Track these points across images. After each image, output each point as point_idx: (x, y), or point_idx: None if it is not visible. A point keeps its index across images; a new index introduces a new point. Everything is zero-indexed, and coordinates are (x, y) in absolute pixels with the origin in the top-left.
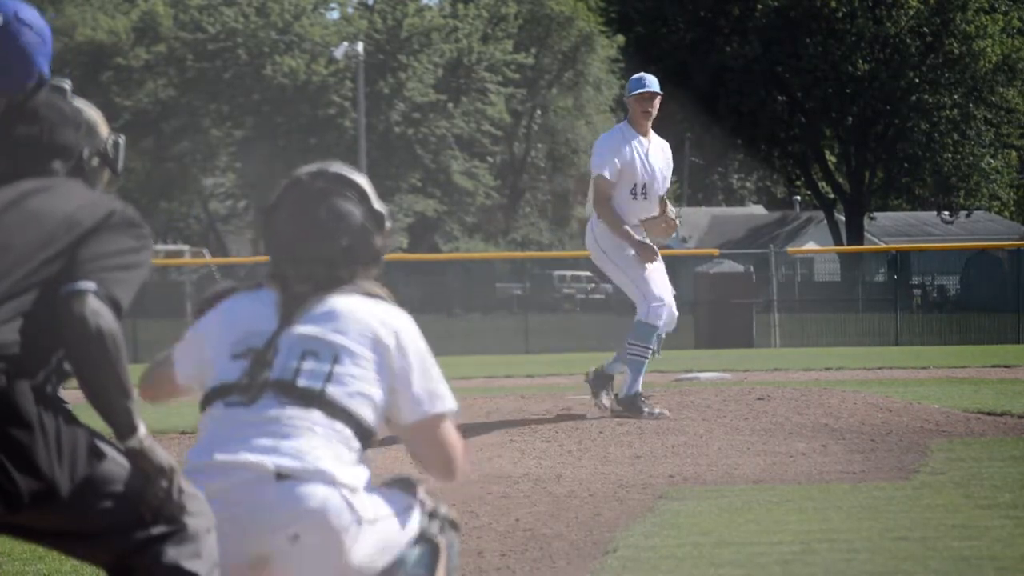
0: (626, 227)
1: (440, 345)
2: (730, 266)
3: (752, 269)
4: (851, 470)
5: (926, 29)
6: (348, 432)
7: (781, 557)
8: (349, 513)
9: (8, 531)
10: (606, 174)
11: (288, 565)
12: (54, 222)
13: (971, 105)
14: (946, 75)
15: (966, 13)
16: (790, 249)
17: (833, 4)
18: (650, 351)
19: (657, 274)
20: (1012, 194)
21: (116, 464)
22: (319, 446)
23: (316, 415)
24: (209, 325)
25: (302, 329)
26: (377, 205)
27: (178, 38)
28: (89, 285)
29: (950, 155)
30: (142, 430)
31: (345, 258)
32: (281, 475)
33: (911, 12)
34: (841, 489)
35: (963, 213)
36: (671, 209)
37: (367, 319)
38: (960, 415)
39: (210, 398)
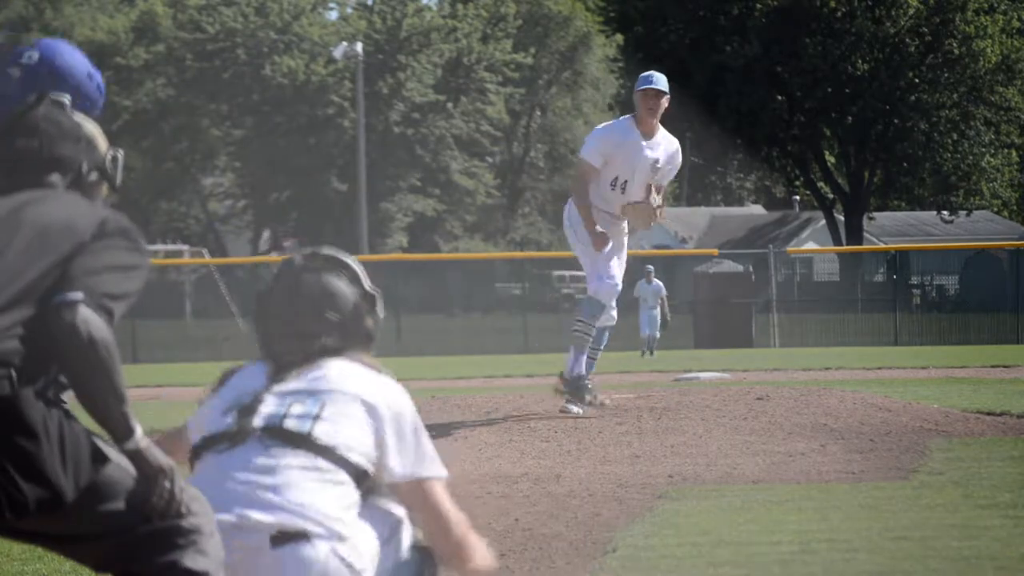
0: (591, 211)
1: (440, 345)
2: (730, 266)
3: (751, 269)
4: (850, 470)
5: (926, 29)
6: (337, 470)
7: (780, 557)
8: (348, 573)
9: (10, 535)
10: (589, 159)
11: None
12: (52, 231)
13: (971, 105)
14: (946, 75)
15: (966, 13)
16: (790, 249)
17: (833, 4)
18: (594, 330)
19: (616, 259)
20: (1012, 193)
21: (119, 468)
22: (308, 489)
23: (302, 455)
24: (213, 397)
25: (291, 385)
26: (368, 287)
27: (177, 38)
28: (77, 295)
29: (950, 155)
30: (139, 432)
31: (337, 334)
32: (278, 536)
33: (911, 12)
34: (840, 489)
35: (963, 213)
36: (655, 197)
37: (358, 379)
38: (959, 415)
39: (197, 451)
